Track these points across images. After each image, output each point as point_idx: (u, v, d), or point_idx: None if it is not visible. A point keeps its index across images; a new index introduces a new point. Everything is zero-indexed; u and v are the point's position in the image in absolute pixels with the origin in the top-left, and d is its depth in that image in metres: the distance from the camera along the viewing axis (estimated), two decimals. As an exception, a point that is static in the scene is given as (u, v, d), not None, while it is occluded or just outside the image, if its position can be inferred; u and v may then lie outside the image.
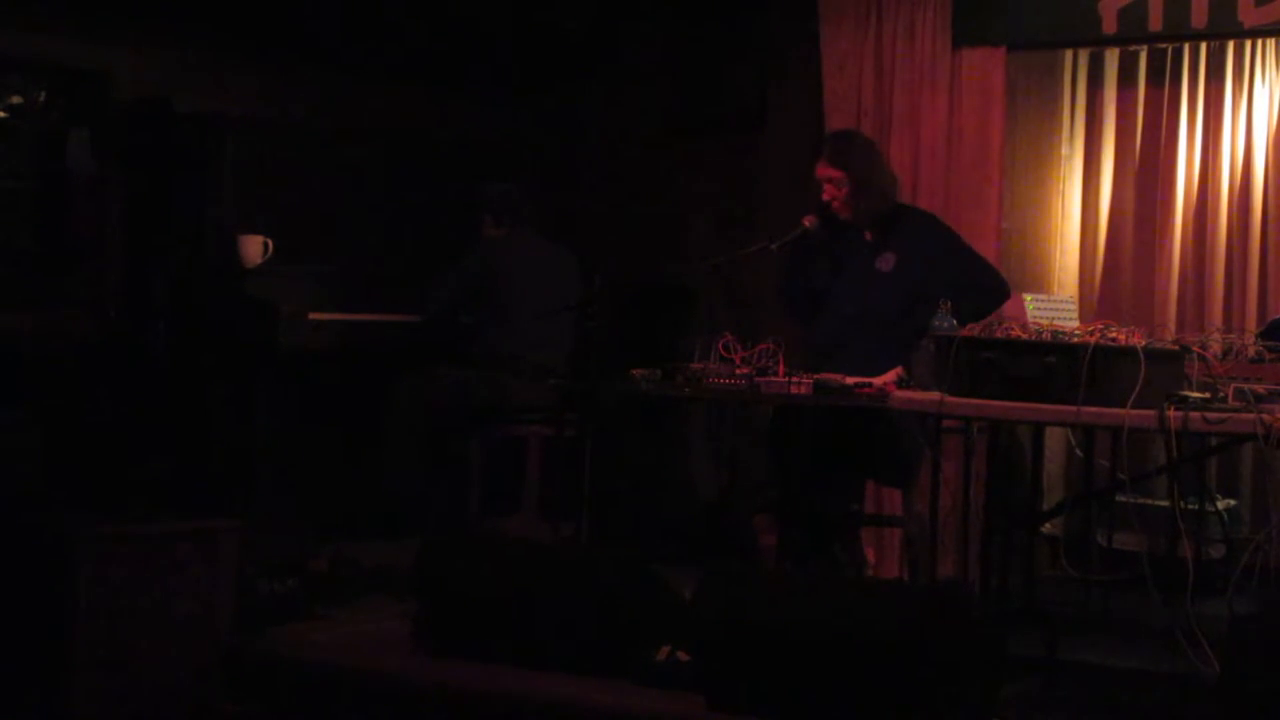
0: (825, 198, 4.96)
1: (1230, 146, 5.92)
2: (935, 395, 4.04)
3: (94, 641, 4.00)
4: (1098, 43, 5.87)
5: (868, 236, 4.98)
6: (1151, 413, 3.70)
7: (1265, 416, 3.61)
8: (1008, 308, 5.14)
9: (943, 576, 4.94)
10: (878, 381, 4.50)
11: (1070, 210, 6.25)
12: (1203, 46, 5.92)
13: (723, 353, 4.77)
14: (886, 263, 4.94)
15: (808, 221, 4.96)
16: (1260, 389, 3.82)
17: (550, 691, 3.82)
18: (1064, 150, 6.24)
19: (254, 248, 5.66)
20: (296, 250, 5.80)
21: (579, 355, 5.90)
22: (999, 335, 4.04)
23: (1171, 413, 3.69)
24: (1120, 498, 5.30)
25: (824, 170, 4.96)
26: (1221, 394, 3.82)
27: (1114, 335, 3.84)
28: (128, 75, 5.80)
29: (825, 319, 4.99)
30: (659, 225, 6.71)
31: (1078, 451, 5.23)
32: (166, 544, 4.17)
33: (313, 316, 5.68)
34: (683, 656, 3.94)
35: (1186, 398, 3.75)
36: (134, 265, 5.79)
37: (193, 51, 5.92)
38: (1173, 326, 5.73)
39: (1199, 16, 5.40)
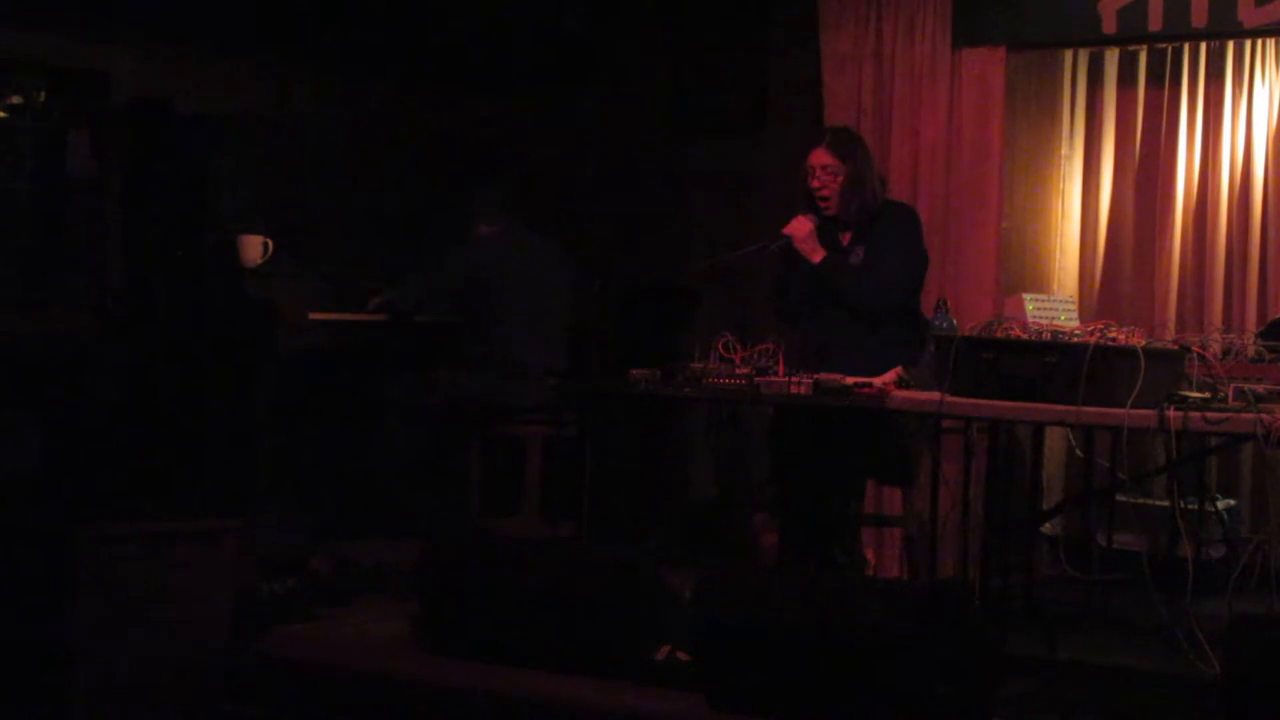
0: (814, 184, 4.93)
1: (1230, 146, 5.92)
2: (935, 395, 4.04)
3: (94, 641, 4.00)
4: (1098, 43, 5.87)
5: (845, 240, 4.98)
6: (1151, 413, 3.70)
7: (1265, 416, 3.61)
8: (1008, 307, 5.14)
9: (943, 576, 4.94)
10: (878, 381, 4.50)
11: (1070, 210, 6.25)
12: (1203, 46, 5.92)
13: (723, 353, 4.77)
14: (857, 255, 4.94)
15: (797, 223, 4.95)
16: (1260, 389, 3.82)
17: (550, 691, 3.82)
18: (1064, 150, 6.24)
19: (254, 248, 5.66)
20: (296, 250, 5.79)
21: (578, 355, 5.90)
22: (999, 335, 4.04)
23: (1171, 413, 3.69)
24: (1120, 498, 5.31)
25: (821, 158, 4.94)
26: (1221, 394, 3.82)
27: (1114, 335, 3.84)
28: (128, 75, 5.80)
29: (815, 319, 4.98)
30: (659, 225, 6.71)
31: (1078, 451, 5.23)
32: (166, 544, 4.17)
33: (313, 316, 5.68)
34: (683, 656, 3.95)
35: (1186, 398, 3.75)
36: (134, 265, 5.79)
37: (193, 51, 5.92)
38: (1173, 326, 5.73)
39: (1199, 16, 5.39)
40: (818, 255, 4.90)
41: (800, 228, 4.91)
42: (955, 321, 4.69)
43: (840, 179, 4.91)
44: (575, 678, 3.88)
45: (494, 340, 5.68)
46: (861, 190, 4.92)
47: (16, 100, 5.71)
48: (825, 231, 4.95)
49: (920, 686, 3.45)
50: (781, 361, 4.67)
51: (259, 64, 6.10)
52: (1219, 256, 5.93)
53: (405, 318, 5.85)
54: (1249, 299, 5.87)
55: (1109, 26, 5.56)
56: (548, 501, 5.59)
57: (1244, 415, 3.66)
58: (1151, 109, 6.10)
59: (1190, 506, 5.05)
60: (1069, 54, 6.14)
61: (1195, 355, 3.90)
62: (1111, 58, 6.15)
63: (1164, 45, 5.93)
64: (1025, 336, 4.00)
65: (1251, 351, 4.13)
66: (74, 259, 5.81)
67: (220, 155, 5.76)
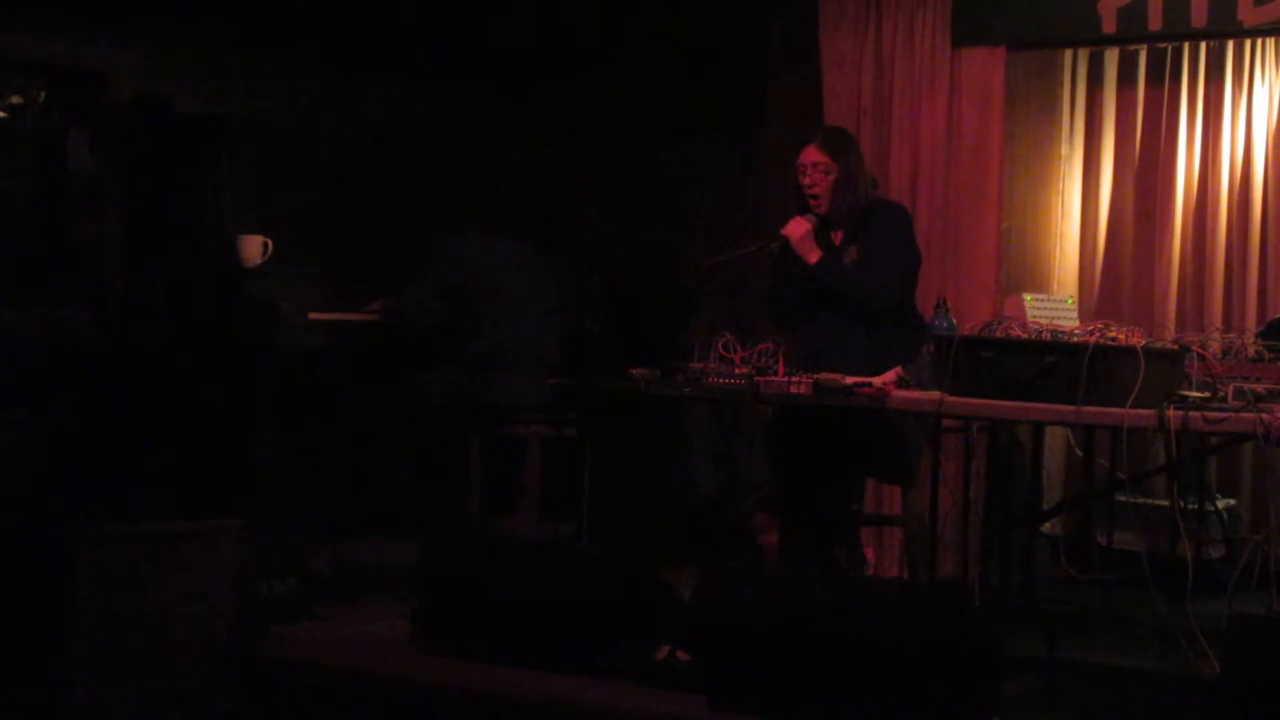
0: (805, 181, 4.93)
1: (1230, 146, 5.92)
2: (935, 395, 4.04)
3: (94, 641, 4.00)
4: (1097, 42, 5.87)
5: (836, 240, 4.98)
6: (1151, 412, 3.70)
7: (1265, 416, 3.61)
8: (1008, 307, 5.14)
9: (943, 576, 4.94)
10: (878, 381, 4.50)
11: (1070, 210, 6.25)
12: (1202, 46, 5.93)
13: (723, 353, 4.77)
14: (850, 255, 4.94)
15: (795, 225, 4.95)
16: (1260, 389, 3.82)
17: (550, 691, 3.82)
18: (1064, 150, 6.24)
19: (254, 248, 5.66)
20: (296, 250, 5.80)
21: (578, 355, 5.90)
22: (999, 335, 4.03)
23: (1171, 412, 3.69)
24: (1120, 497, 5.31)
25: (814, 155, 4.93)
26: (1221, 394, 3.82)
27: (1114, 335, 3.83)
28: (128, 75, 5.80)
29: (812, 320, 4.98)
30: (659, 225, 6.71)
31: (1078, 451, 5.23)
32: (166, 544, 4.17)
33: (313, 316, 5.68)
34: (683, 656, 3.95)
35: (1186, 397, 3.75)
36: (134, 265, 5.79)
37: (193, 51, 5.93)
38: (1173, 326, 5.74)
39: (1198, 16, 5.39)
40: (814, 256, 4.90)
41: (797, 229, 4.92)
42: (955, 321, 4.69)
43: (831, 177, 4.91)
44: (575, 678, 3.88)
45: (489, 342, 5.68)
46: (852, 189, 4.92)
47: (16, 100, 5.71)
48: (818, 232, 4.96)
49: (920, 686, 3.45)
50: (781, 361, 4.67)
51: (259, 64, 6.10)
52: (1219, 256, 5.94)
53: (403, 324, 5.84)
54: (1249, 299, 5.87)
55: (1109, 26, 5.56)
56: (548, 501, 5.58)
57: (1244, 415, 3.66)
58: (1151, 109, 6.11)
59: (1190, 506, 5.04)
60: (1069, 54, 6.15)
61: (1195, 355, 3.90)
62: (1111, 57, 6.15)
63: (1164, 45, 5.93)
64: (1025, 336, 4.00)
65: (1251, 351, 4.12)
66: (74, 259, 5.81)
67: (220, 155, 5.76)
